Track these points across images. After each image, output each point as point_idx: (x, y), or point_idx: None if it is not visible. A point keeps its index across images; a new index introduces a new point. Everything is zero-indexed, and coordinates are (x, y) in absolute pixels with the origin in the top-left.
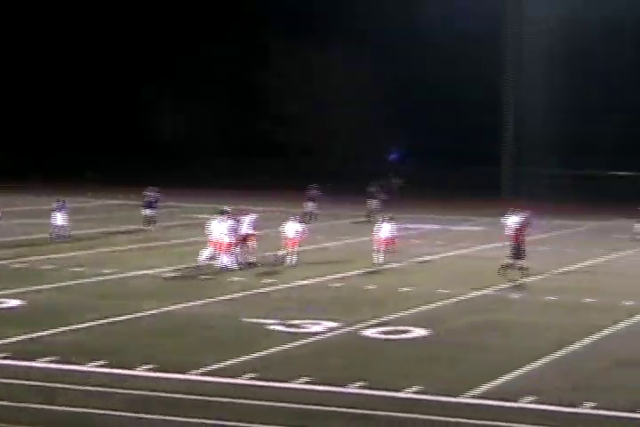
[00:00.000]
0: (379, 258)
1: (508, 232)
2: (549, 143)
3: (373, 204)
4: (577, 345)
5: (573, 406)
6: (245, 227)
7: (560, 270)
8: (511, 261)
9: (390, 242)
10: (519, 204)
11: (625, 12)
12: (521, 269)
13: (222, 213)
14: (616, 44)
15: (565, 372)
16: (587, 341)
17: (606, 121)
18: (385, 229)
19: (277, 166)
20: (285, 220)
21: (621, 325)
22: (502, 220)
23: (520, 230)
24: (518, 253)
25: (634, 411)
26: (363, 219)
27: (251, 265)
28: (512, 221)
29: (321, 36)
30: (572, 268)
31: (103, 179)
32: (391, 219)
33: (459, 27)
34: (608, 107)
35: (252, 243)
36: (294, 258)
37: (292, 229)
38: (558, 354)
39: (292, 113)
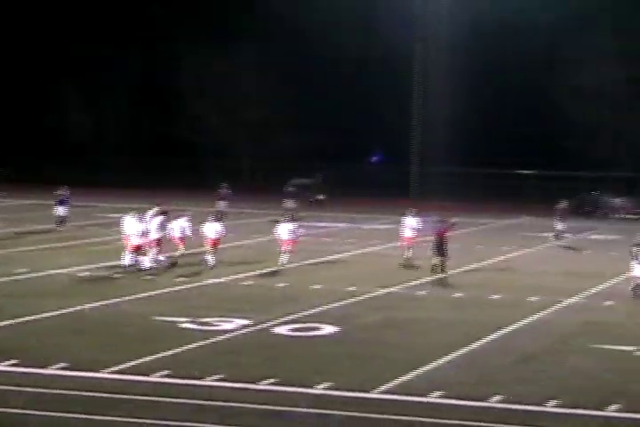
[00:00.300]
0: (282, 259)
1: (404, 233)
2: (457, 143)
3: (290, 203)
4: (484, 341)
5: (481, 400)
6: (169, 227)
7: (467, 267)
8: (437, 260)
9: (291, 242)
10: (425, 203)
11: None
12: (435, 265)
13: (159, 212)
14: (517, 45)
15: (473, 367)
16: (493, 336)
17: (513, 120)
18: (285, 230)
19: (188, 166)
20: (203, 220)
21: (526, 320)
22: (401, 220)
23: (442, 231)
24: (441, 250)
25: (539, 404)
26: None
27: (172, 265)
28: (409, 222)
29: (231, 36)
30: (479, 265)
31: (16, 178)
32: (292, 219)
33: (369, 26)
34: (514, 107)
35: (180, 245)
36: (213, 258)
37: (211, 228)
38: (465, 350)
39: (202, 113)
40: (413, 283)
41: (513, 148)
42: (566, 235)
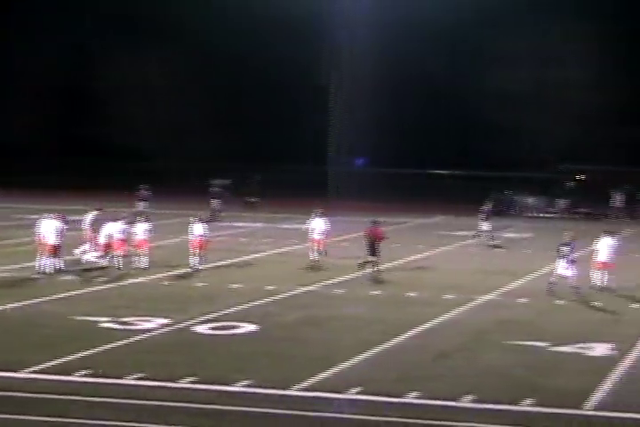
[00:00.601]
0: (194, 260)
1: (313, 235)
2: (376, 143)
3: (215, 203)
4: (400, 338)
5: (397, 396)
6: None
7: (384, 266)
8: (371, 259)
9: (202, 243)
10: (342, 204)
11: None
12: (364, 263)
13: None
14: (433, 47)
15: (390, 364)
16: (410, 334)
17: (430, 122)
18: (196, 231)
19: (104, 167)
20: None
21: (442, 318)
22: (307, 222)
23: (375, 231)
24: (373, 250)
25: (455, 400)
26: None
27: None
28: (317, 223)
29: (147, 37)
30: (395, 263)
31: None
32: (201, 220)
33: (280, 27)
34: (432, 109)
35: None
36: (144, 259)
37: (140, 229)
38: (383, 347)
39: (119, 114)
40: (331, 281)
41: (428, 148)
42: (492, 235)
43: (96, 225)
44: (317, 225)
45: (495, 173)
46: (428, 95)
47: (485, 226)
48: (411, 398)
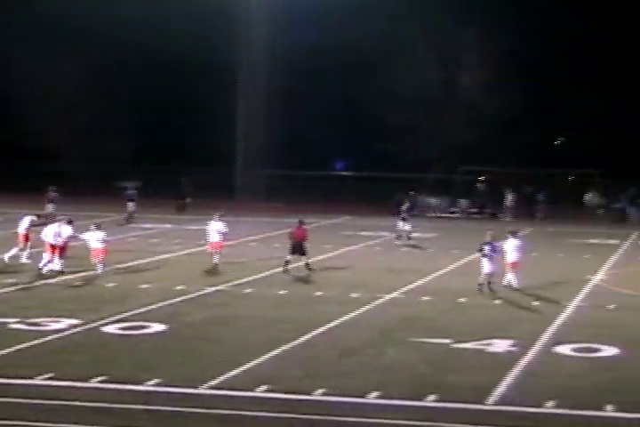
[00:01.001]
0: (97, 268)
1: (211, 238)
2: (280, 145)
3: (130, 206)
4: (308, 336)
5: (306, 393)
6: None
7: (292, 265)
8: (289, 257)
9: (100, 251)
10: (250, 205)
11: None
12: (306, 264)
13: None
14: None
15: (298, 361)
16: (317, 331)
17: (331, 124)
18: (92, 238)
19: (14, 169)
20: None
21: (349, 316)
22: (207, 224)
23: (301, 232)
24: (299, 250)
25: (362, 396)
26: (122, 221)
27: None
28: (215, 226)
29: (58, 38)
30: (302, 263)
31: None
32: (98, 227)
33: (193, 30)
34: (331, 110)
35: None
36: (58, 261)
37: (94, 237)
38: (291, 345)
39: (28, 115)
40: (240, 281)
41: (331, 150)
42: (411, 235)
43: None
44: (215, 227)
45: (398, 175)
46: (328, 97)
47: (407, 226)
48: (318, 395)
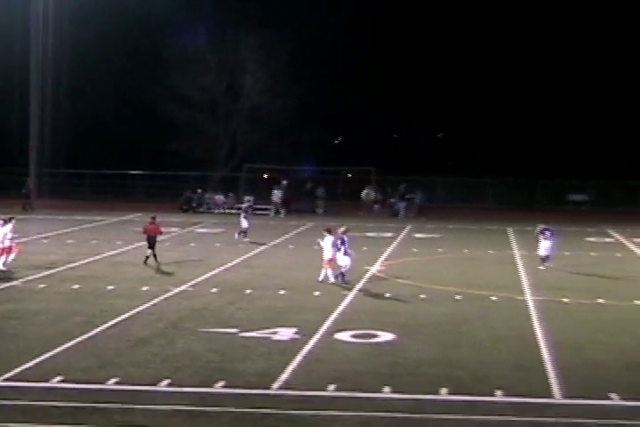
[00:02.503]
0: None
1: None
2: (70, 144)
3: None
4: (101, 328)
5: (100, 382)
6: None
7: (84, 261)
8: (150, 252)
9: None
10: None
11: None
12: (154, 256)
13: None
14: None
15: (91, 352)
16: (110, 324)
17: (124, 126)
18: None
19: None
20: None
21: (141, 308)
22: None
23: (154, 228)
24: (152, 245)
25: (153, 384)
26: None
27: None
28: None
29: None
30: (95, 258)
31: None
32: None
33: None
34: (124, 113)
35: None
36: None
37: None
38: (84, 337)
39: None
40: (34, 277)
41: (120, 151)
42: (248, 232)
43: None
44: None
45: (187, 173)
46: (119, 98)
47: (246, 224)
48: (111, 384)
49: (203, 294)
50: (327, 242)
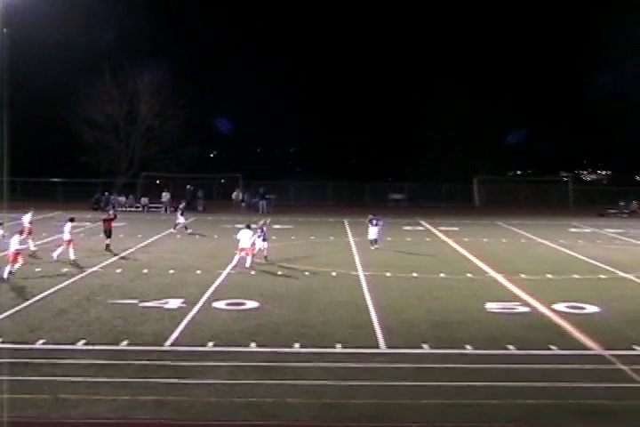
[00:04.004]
0: None
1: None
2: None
3: None
4: (31, 301)
5: (31, 343)
6: None
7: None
8: (108, 241)
9: None
10: None
11: None
12: (107, 246)
13: None
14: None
15: (23, 320)
16: (37, 298)
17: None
18: None
19: None
20: None
21: (61, 285)
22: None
23: (109, 220)
24: (108, 234)
25: (72, 344)
26: None
27: None
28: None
29: None
30: (23, 246)
31: None
32: None
33: None
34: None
35: None
36: None
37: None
38: (16, 308)
39: None
40: None
41: (44, 163)
42: (187, 225)
43: None
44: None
45: (97, 180)
46: (41, 122)
47: (182, 219)
48: (40, 344)
49: (110, 274)
50: (244, 234)
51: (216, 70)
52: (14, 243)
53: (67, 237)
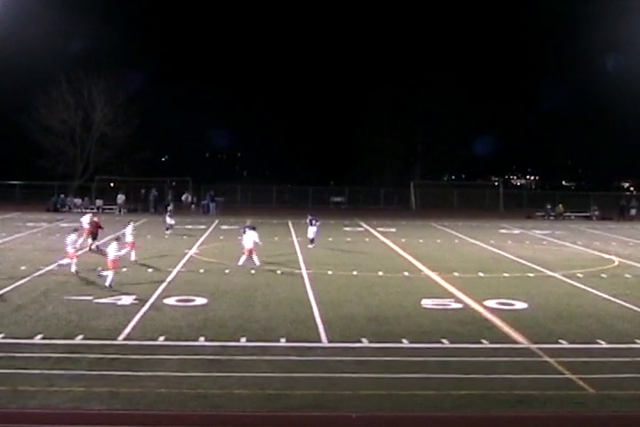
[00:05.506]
0: None
1: None
2: None
3: None
4: None
5: None
6: None
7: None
8: (92, 242)
9: None
10: None
11: None
12: (97, 247)
13: None
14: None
15: None
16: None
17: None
18: None
19: None
20: None
21: (19, 282)
22: None
23: (96, 223)
24: (95, 236)
25: (30, 338)
26: None
27: None
28: None
29: None
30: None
31: None
32: None
33: None
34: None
35: None
36: None
37: None
38: None
39: None
40: None
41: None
42: (174, 227)
43: None
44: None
45: (54, 183)
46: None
47: (172, 221)
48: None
49: (65, 272)
50: (249, 236)
51: (167, 79)
52: None
53: (129, 239)
